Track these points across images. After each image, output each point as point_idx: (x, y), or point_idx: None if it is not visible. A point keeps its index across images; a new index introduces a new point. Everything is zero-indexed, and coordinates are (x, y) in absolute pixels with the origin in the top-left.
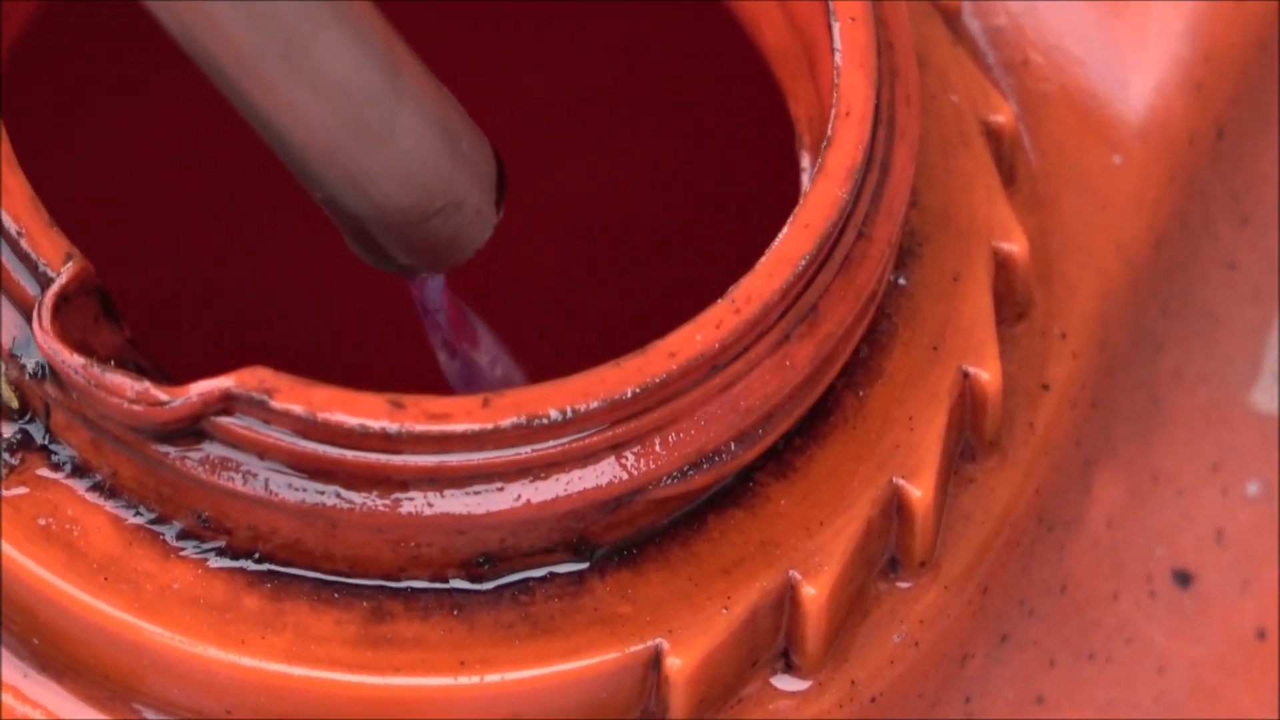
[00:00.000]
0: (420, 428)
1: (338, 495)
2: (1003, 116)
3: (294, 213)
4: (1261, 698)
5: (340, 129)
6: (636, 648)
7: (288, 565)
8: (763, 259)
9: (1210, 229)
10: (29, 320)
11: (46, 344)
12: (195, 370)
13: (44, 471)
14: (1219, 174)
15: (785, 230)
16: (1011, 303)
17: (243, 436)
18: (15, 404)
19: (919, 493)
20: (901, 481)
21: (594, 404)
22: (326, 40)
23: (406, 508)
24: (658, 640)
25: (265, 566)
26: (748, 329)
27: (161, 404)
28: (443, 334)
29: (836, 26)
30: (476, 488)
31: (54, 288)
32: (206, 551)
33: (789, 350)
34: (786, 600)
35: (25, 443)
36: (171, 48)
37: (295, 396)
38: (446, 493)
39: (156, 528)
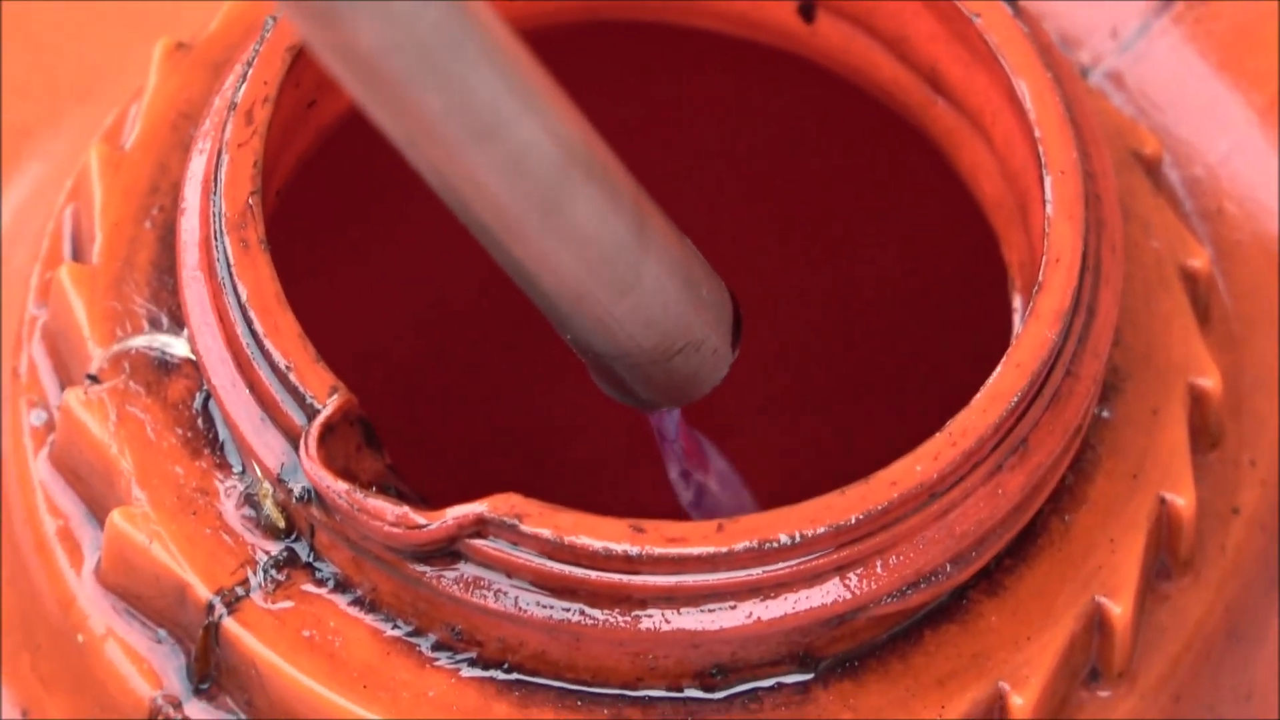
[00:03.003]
0: (659, 550)
1: (581, 612)
2: (1199, 261)
3: (542, 350)
4: None
5: (590, 278)
6: None
7: (534, 675)
8: (978, 395)
9: None
10: (296, 448)
11: (312, 470)
12: (449, 494)
13: (308, 587)
14: None
15: (999, 369)
16: (1205, 433)
17: (494, 557)
18: (282, 524)
19: (1119, 610)
20: (1103, 599)
21: (821, 529)
22: (581, 197)
23: (645, 624)
24: None
25: (513, 676)
26: (963, 460)
27: (419, 527)
28: (679, 461)
29: (1048, 180)
30: (710, 606)
31: (319, 418)
32: (459, 662)
33: (1001, 479)
34: (996, 710)
35: (291, 560)
36: (426, 194)
37: (543, 521)
38: (683, 610)
39: (413, 640)
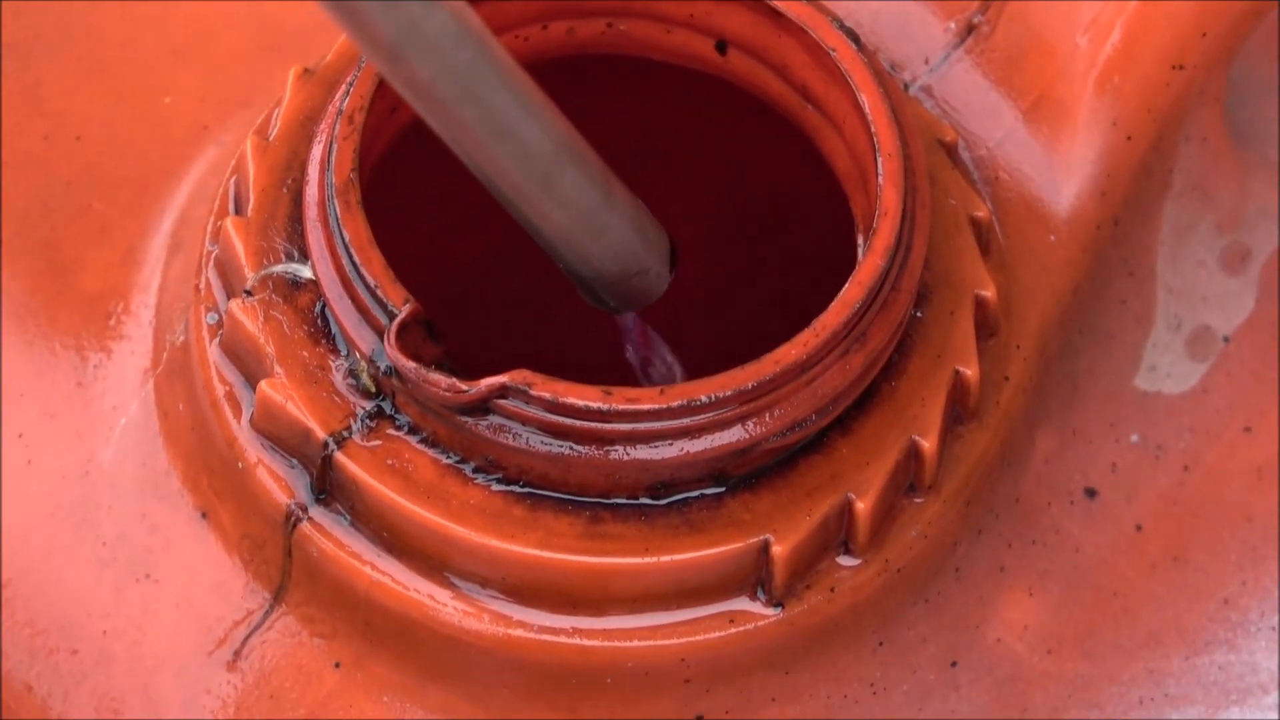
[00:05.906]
0: (621, 407)
1: (571, 448)
2: (982, 213)
3: (544, 274)
4: (1139, 568)
5: (573, 229)
6: (754, 540)
7: (540, 489)
8: (833, 303)
9: (1109, 280)
10: (382, 339)
11: (392, 355)
12: (484, 369)
13: (390, 431)
14: (1115, 247)
15: (847, 285)
16: (986, 327)
17: (512, 412)
18: (373, 389)
19: (928, 444)
20: (918, 438)
21: (728, 392)
22: (566, 174)
23: (613, 455)
24: (767, 536)
25: (526, 490)
26: (823, 346)
27: (463, 392)
28: (633, 343)
29: (880, 160)
30: (656, 444)
31: (397, 320)
32: (490, 480)
33: (849, 359)
34: (846, 511)
35: (379, 413)
36: (464, 172)
37: (545, 388)
38: (638, 446)
39: (460, 466)
